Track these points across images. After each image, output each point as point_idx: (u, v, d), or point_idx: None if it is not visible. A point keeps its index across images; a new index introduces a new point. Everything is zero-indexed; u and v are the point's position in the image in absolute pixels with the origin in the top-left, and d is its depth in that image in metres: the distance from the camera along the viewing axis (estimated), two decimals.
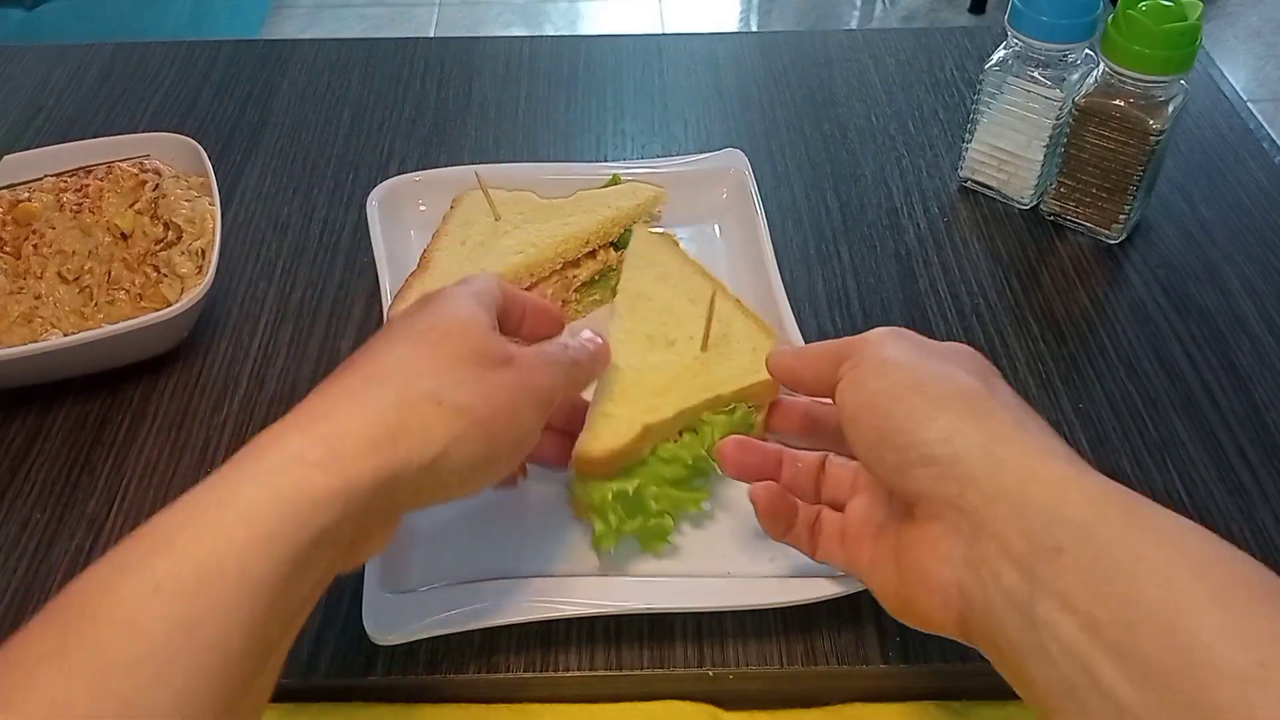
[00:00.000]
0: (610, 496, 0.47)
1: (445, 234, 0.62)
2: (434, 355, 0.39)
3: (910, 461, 0.36)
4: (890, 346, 0.40)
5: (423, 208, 0.66)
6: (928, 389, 0.37)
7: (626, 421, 0.48)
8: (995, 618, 0.32)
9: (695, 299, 0.54)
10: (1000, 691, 0.47)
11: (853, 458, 0.43)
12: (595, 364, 0.47)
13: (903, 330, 0.42)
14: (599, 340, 0.48)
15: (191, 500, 0.33)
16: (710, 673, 0.47)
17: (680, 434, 0.49)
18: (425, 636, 0.45)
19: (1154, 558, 0.29)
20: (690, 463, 0.48)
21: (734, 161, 0.68)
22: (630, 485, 0.47)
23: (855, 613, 0.49)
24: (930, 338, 0.61)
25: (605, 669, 0.47)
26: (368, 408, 0.36)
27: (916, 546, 0.36)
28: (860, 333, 0.63)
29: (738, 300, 0.55)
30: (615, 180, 0.66)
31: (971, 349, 0.41)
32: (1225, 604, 0.28)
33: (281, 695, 0.47)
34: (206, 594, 0.30)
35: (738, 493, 0.52)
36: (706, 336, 0.52)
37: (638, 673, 0.47)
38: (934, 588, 0.35)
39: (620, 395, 0.49)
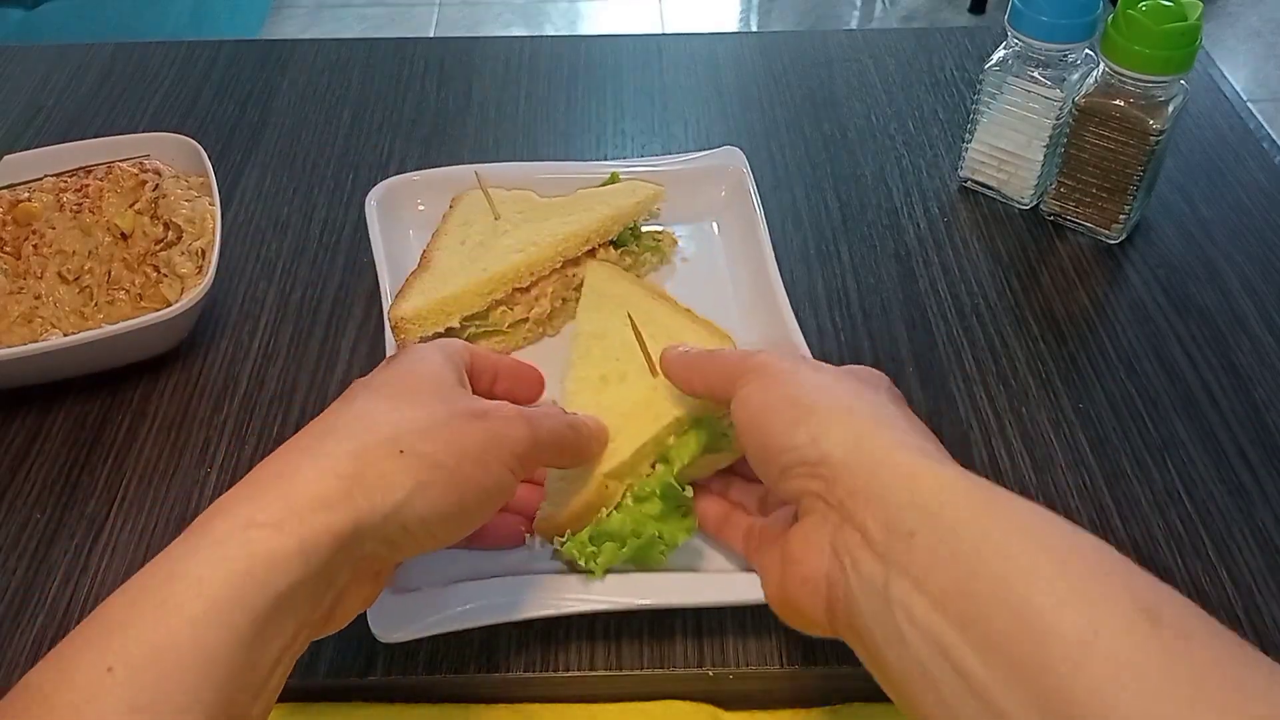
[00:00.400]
0: (587, 539, 0.46)
1: (445, 233, 0.62)
2: (395, 405, 0.38)
3: (787, 466, 0.37)
4: (774, 367, 0.41)
5: (421, 207, 0.66)
6: (801, 401, 0.39)
7: (583, 477, 0.46)
8: (855, 604, 0.34)
9: (645, 325, 0.51)
10: None
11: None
12: (593, 439, 0.46)
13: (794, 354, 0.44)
14: (598, 420, 0.47)
15: (143, 577, 0.32)
16: (710, 673, 0.47)
17: (654, 465, 0.47)
18: (430, 634, 0.45)
19: (998, 536, 0.31)
20: (661, 493, 0.46)
21: (732, 159, 0.68)
22: (606, 526, 0.46)
23: None
24: (930, 337, 0.62)
25: (605, 669, 0.47)
26: (322, 461, 0.35)
27: (795, 541, 0.37)
28: (857, 332, 0.64)
29: (688, 310, 0.54)
30: (614, 178, 0.66)
31: (870, 369, 0.43)
32: (1063, 574, 0.29)
33: (282, 695, 0.47)
34: (159, 670, 0.29)
35: None
36: (649, 361, 0.49)
37: (638, 673, 0.47)
38: (806, 578, 0.36)
39: None
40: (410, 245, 0.64)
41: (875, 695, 0.48)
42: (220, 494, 0.53)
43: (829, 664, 0.47)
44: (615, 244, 0.62)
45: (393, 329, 0.56)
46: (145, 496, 0.53)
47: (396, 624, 0.45)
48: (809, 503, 0.37)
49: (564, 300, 0.61)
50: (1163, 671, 0.27)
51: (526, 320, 0.60)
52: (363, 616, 0.45)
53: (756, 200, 0.64)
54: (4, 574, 0.50)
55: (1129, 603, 0.28)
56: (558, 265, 0.60)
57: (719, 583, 0.48)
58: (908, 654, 0.31)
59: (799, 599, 0.37)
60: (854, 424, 0.37)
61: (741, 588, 0.47)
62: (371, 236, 0.63)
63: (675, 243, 0.65)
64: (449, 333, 0.57)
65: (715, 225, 0.67)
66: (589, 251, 0.61)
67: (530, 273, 0.59)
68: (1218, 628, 0.28)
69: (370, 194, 0.66)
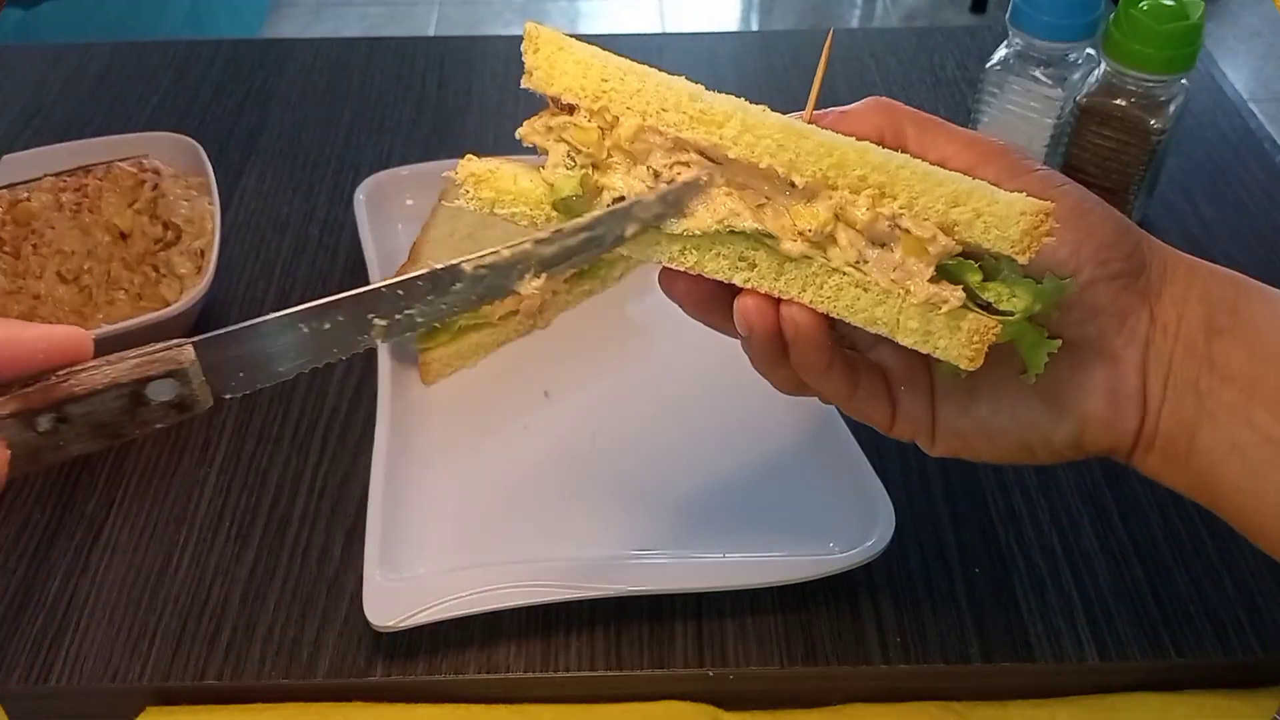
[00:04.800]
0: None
1: (434, 226, 0.63)
2: None
3: (1107, 271, 0.37)
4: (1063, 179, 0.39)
5: (410, 202, 0.67)
6: (1116, 211, 0.38)
7: None
8: (1164, 406, 0.37)
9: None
10: (1000, 691, 0.48)
11: None
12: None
13: None
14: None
15: None
16: (710, 673, 0.47)
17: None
18: (425, 622, 0.45)
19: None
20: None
21: None
22: None
23: (855, 613, 0.49)
24: None
25: (605, 669, 0.47)
26: None
27: (1099, 363, 0.38)
28: None
29: None
30: None
31: None
32: None
33: (282, 695, 0.47)
34: None
35: (732, 475, 0.52)
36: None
37: (638, 673, 0.47)
38: (1119, 393, 0.37)
39: None
40: (399, 239, 0.65)
41: (875, 695, 0.48)
42: (220, 494, 0.53)
43: (829, 664, 0.47)
44: None
45: None
46: (145, 496, 0.53)
47: (391, 612, 0.45)
48: (1107, 321, 0.37)
49: (554, 293, 0.61)
50: None
51: (516, 313, 0.60)
52: (360, 617, 0.45)
53: None
54: (4, 574, 0.50)
55: None
56: None
57: (717, 569, 0.48)
58: (1219, 433, 0.36)
59: (1104, 414, 0.37)
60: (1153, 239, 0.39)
61: (741, 574, 0.48)
62: (361, 231, 0.63)
63: None
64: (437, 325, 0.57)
65: None
66: None
67: None
68: None
69: (358, 189, 0.66)
